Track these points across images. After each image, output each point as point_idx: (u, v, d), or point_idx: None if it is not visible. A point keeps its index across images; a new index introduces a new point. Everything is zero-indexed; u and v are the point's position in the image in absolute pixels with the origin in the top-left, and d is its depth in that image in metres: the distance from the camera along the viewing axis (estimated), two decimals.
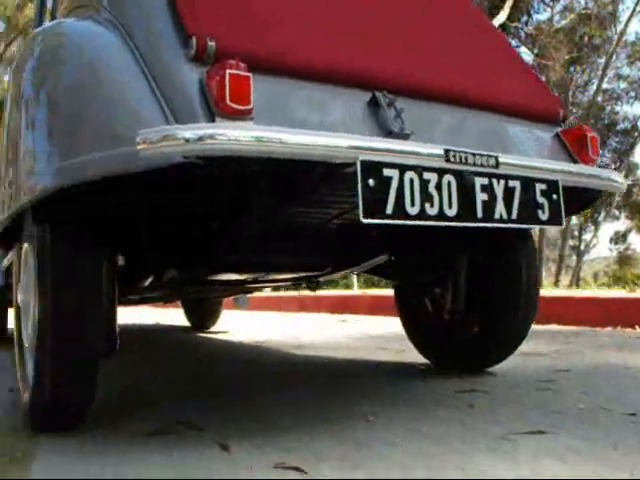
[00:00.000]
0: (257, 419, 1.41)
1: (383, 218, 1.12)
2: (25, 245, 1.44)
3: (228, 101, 1.03)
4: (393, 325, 2.81)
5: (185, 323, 4.40)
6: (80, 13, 1.48)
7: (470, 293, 1.90)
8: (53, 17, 2.11)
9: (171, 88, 1.09)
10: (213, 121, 1.03)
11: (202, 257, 1.53)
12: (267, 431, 1.29)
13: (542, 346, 2.59)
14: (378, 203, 1.11)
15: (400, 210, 1.14)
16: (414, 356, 2.18)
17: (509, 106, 1.54)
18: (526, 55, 15.20)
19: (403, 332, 2.19)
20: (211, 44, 1.11)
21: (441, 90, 1.41)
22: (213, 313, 4.04)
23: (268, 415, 1.45)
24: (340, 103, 1.25)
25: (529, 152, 1.51)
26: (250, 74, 1.06)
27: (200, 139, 0.97)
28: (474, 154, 1.25)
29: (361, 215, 1.09)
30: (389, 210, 1.12)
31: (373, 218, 1.10)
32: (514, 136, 1.53)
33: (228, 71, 1.04)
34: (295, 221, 1.59)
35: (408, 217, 1.15)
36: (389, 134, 1.23)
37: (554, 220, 1.39)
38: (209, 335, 3.91)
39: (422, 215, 1.17)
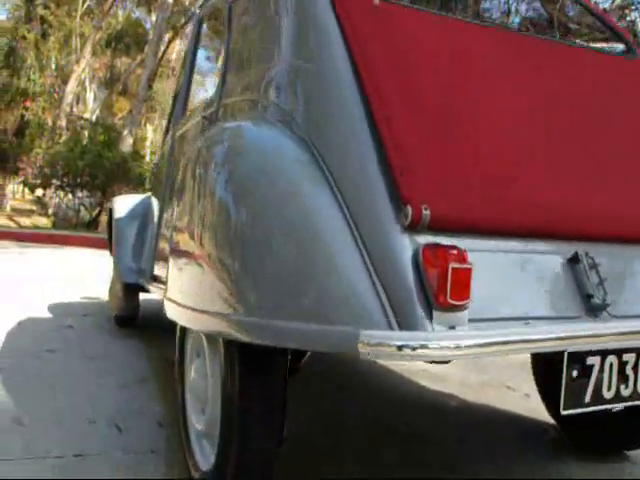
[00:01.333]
0: None
1: (581, 407, 1.11)
2: (205, 342, 1.51)
3: (448, 298, 1.02)
4: None
5: None
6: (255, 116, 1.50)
7: None
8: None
9: (384, 261, 1.07)
10: (430, 312, 1.03)
11: None
12: None
13: None
14: (578, 393, 1.10)
15: (597, 397, 1.12)
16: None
17: None
18: None
19: None
20: (426, 213, 1.09)
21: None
22: None
23: None
24: (539, 264, 1.21)
25: None
26: (471, 265, 1.04)
27: (413, 349, 0.98)
28: None
29: (562, 407, 1.09)
30: (587, 399, 1.11)
31: (572, 409, 1.10)
32: None
33: (451, 265, 1.01)
34: None
35: (603, 402, 1.13)
36: (587, 297, 1.19)
37: None
38: None
39: (616, 398, 1.15)
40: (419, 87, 1.30)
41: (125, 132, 13.35)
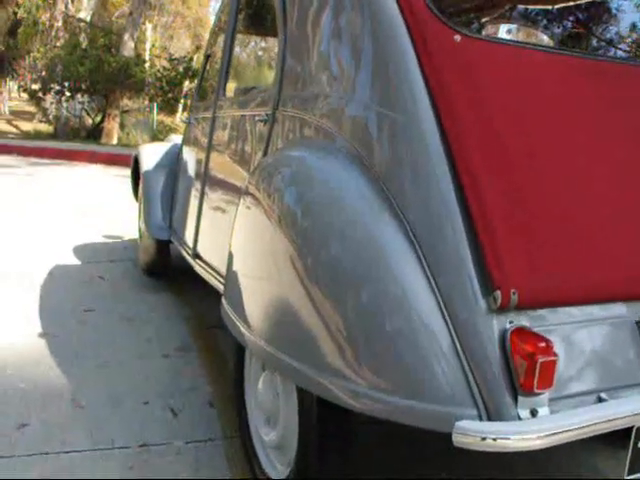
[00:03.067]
0: None
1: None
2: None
3: (535, 388, 1.05)
4: None
5: None
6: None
7: None
8: None
9: (472, 342, 1.10)
10: (515, 397, 1.06)
11: None
12: None
13: None
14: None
15: None
16: None
17: None
18: None
19: None
20: (514, 297, 1.10)
21: None
22: None
23: None
24: (613, 329, 1.23)
25: None
26: (556, 357, 1.07)
27: (494, 440, 1.02)
28: None
29: (626, 473, 1.16)
30: None
31: (634, 474, 1.17)
32: None
33: (540, 359, 1.04)
34: None
35: None
36: None
37: None
38: None
39: None
40: (509, 153, 1.25)
41: (126, 36, 12.76)
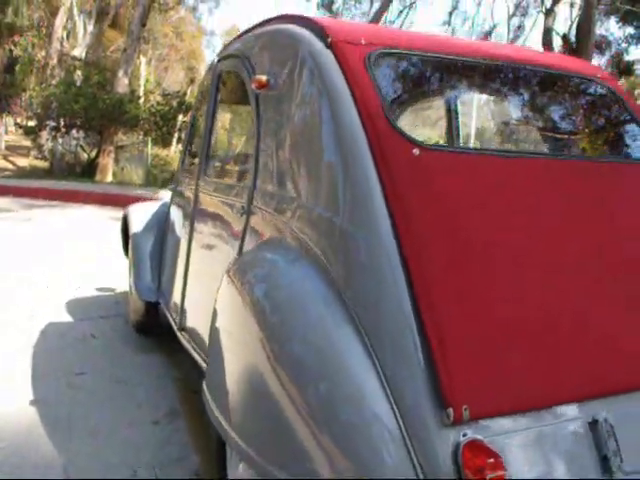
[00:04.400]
0: None
1: None
2: None
3: None
4: None
5: None
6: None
7: None
8: None
9: (425, 453, 1.17)
10: None
11: None
12: None
13: None
14: None
15: None
16: None
17: None
18: None
19: None
20: (466, 413, 1.19)
21: None
22: None
23: None
24: (562, 430, 1.31)
25: None
26: (505, 472, 1.15)
27: None
28: None
29: None
30: None
31: None
32: None
33: (489, 476, 1.12)
34: None
35: None
36: (604, 458, 1.32)
37: None
38: None
39: None
40: (467, 269, 1.36)
41: (120, 73, 12.98)
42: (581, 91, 2.10)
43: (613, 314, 1.48)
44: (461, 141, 2.83)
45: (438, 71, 1.92)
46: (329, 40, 1.66)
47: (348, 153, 1.47)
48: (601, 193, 1.65)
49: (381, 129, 1.45)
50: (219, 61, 2.48)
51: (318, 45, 1.68)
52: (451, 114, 2.72)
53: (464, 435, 1.20)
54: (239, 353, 1.56)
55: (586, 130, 2.14)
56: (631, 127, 2.00)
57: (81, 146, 14.22)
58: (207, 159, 2.52)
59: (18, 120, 15.21)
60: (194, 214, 2.57)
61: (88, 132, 13.59)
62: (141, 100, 13.49)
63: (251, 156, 1.99)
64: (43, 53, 14.14)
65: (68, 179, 12.33)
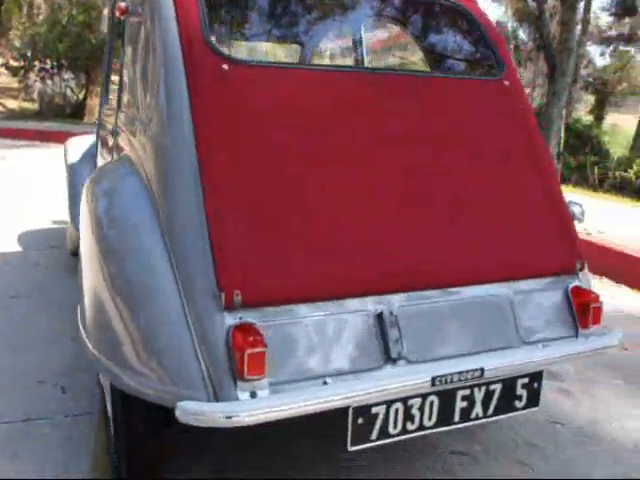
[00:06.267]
0: None
1: (368, 443, 1.43)
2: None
3: (246, 375, 1.29)
4: None
5: None
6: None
7: None
8: None
9: (205, 335, 1.33)
10: (235, 382, 1.30)
11: None
12: None
13: None
14: (365, 434, 1.41)
15: (383, 434, 1.43)
16: None
17: (516, 273, 1.67)
18: None
19: None
20: (237, 298, 1.33)
21: (445, 284, 1.57)
22: None
23: None
24: (345, 324, 1.45)
25: (532, 319, 1.68)
26: (265, 349, 1.29)
27: (211, 415, 1.26)
28: (460, 372, 1.46)
29: (349, 444, 1.41)
30: (373, 436, 1.42)
31: (359, 445, 1.42)
32: (523, 303, 1.67)
33: (248, 351, 1.27)
34: None
35: (390, 436, 1.44)
36: (387, 357, 1.46)
37: (530, 404, 1.63)
38: None
39: (403, 432, 1.45)
40: (255, 172, 1.48)
41: (105, 10, 12.77)
42: (431, 10, 2.16)
43: (397, 222, 1.60)
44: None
45: None
46: None
47: (168, 73, 1.58)
48: (403, 104, 1.74)
49: (196, 48, 1.56)
50: None
51: None
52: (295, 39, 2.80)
53: (241, 318, 1.35)
54: (88, 270, 1.69)
55: (430, 47, 2.22)
56: (478, 46, 2.07)
57: (70, 87, 14.14)
58: (107, 90, 2.62)
59: (3, 60, 15.08)
60: (104, 142, 2.70)
61: (75, 72, 13.49)
62: None
63: (118, 90, 2.11)
64: None
65: (56, 120, 12.35)
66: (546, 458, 2.10)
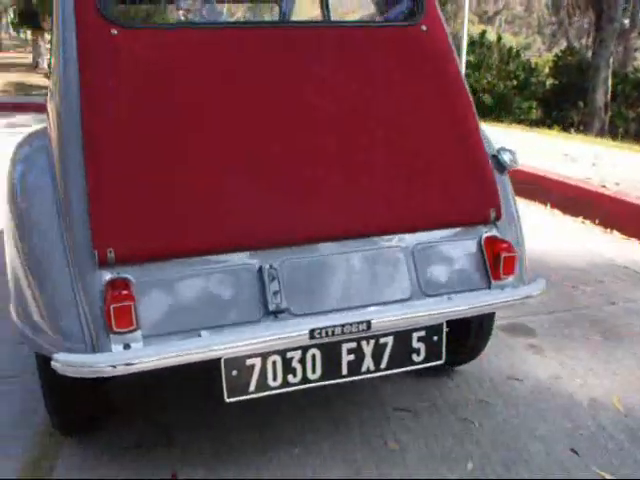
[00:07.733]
0: None
1: (246, 395, 1.45)
2: None
3: (114, 327, 1.34)
4: None
5: None
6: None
7: None
8: None
9: (85, 292, 1.39)
10: (109, 336, 1.35)
11: None
12: None
13: None
14: (241, 386, 1.43)
15: (262, 386, 1.45)
16: None
17: (420, 224, 1.63)
18: None
19: None
20: (111, 255, 1.38)
21: (335, 236, 1.55)
22: None
23: None
24: (223, 278, 1.46)
25: (436, 271, 1.63)
26: (132, 302, 1.33)
27: (90, 367, 1.32)
28: (343, 325, 1.45)
29: (225, 396, 1.43)
30: (252, 388, 1.44)
31: (236, 397, 1.44)
32: (427, 255, 1.63)
33: (113, 305, 1.32)
34: None
35: (270, 389, 1.46)
36: (266, 311, 1.46)
37: (432, 358, 1.60)
38: None
39: (284, 385, 1.46)
40: (135, 137, 1.50)
41: None
42: None
43: (284, 177, 1.58)
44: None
45: None
46: None
47: (64, 40, 1.61)
48: (308, 61, 1.70)
49: (85, 14, 1.58)
50: None
51: None
52: None
53: (118, 273, 1.40)
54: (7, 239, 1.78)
55: None
56: None
57: None
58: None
59: None
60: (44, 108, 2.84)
61: None
62: None
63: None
64: None
65: None
66: (493, 415, 2.05)
